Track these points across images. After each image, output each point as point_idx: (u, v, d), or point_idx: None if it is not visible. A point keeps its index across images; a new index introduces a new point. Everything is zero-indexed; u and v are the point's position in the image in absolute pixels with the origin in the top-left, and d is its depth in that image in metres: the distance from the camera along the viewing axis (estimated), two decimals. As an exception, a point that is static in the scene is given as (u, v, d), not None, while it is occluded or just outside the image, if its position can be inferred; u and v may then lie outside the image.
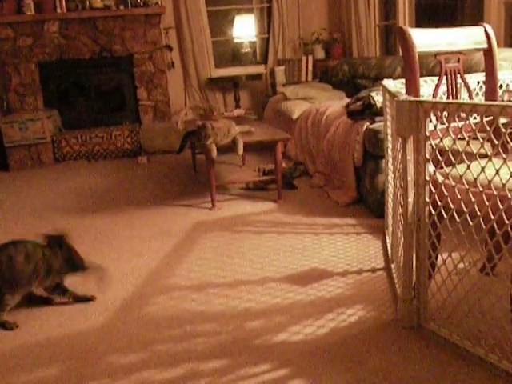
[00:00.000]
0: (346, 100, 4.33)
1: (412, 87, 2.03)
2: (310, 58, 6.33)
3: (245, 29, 6.81)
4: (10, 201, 4.18)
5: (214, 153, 3.40)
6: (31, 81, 5.90)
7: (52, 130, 5.70)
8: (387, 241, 2.72)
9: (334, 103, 4.47)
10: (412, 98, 1.73)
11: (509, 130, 1.56)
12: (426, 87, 2.33)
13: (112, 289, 2.45)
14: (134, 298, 2.35)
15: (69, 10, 5.76)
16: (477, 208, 1.58)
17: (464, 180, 1.63)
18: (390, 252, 2.56)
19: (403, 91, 2.08)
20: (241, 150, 3.49)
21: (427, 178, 1.74)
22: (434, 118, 1.81)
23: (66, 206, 3.96)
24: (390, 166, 2.48)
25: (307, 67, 6.31)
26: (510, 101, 2.46)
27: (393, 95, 1.92)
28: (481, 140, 1.52)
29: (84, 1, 5.80)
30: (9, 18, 5.63)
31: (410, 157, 1.78)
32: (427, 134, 1.69)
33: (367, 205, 3.36)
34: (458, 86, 2.25)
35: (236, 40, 6.91)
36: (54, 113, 5.90)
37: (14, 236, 2.34)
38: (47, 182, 4.81)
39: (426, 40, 2.11)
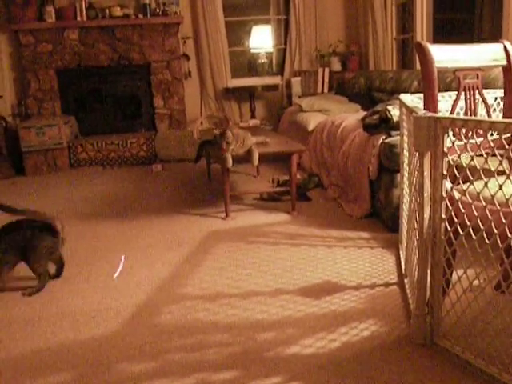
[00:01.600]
0: (362, 113, 4.33)
1: (430, 103, 2.03)
2: (327, 70, 6.34)
3: (262, 40, 6.86)
4: (26, 205, 4.20)
5: (230, 163, 3.41)
6: (50, 87, 5.99)
7: (68, 135, 5.76)
8: (401, 255, 2.70)
9: (349, 116, 4.47)
10: (430, 114, 1.73)
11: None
12: (443, 102, 2.32)
13: (125, 296, 2.46)
14: (146, 306, 2.35)
15: (89, 18, 5.86)
16: (493, 226, 1.56)
17: (481, 197, 1.62)
18: (403, 267, 2.54)
19: (420, 106, 2.07)
20: (256, 161, 3.49)
21: (444, 195, 1.73)
22: (451, 134, 1.80)
23: (79, 211, 3.99)
24: (406, 181, 2.46)
25: (323, 79, 6.31)
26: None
27: (410, 110, 1.92)
28: (499, 157, 1.51)
29: (104, 9, 5.90)
30: (30, 24, 5.74)
31: (426, 172, 1.77)
32: (445, 150, 1.69)
33: (381, 219, 3.34)
34: (476, 101, 2.24)
35: (253, 51, 6.95)
36: (71, 119, 5.97)
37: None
38: (62, 188, 4.86)
39: (445, 56, 2.10)
